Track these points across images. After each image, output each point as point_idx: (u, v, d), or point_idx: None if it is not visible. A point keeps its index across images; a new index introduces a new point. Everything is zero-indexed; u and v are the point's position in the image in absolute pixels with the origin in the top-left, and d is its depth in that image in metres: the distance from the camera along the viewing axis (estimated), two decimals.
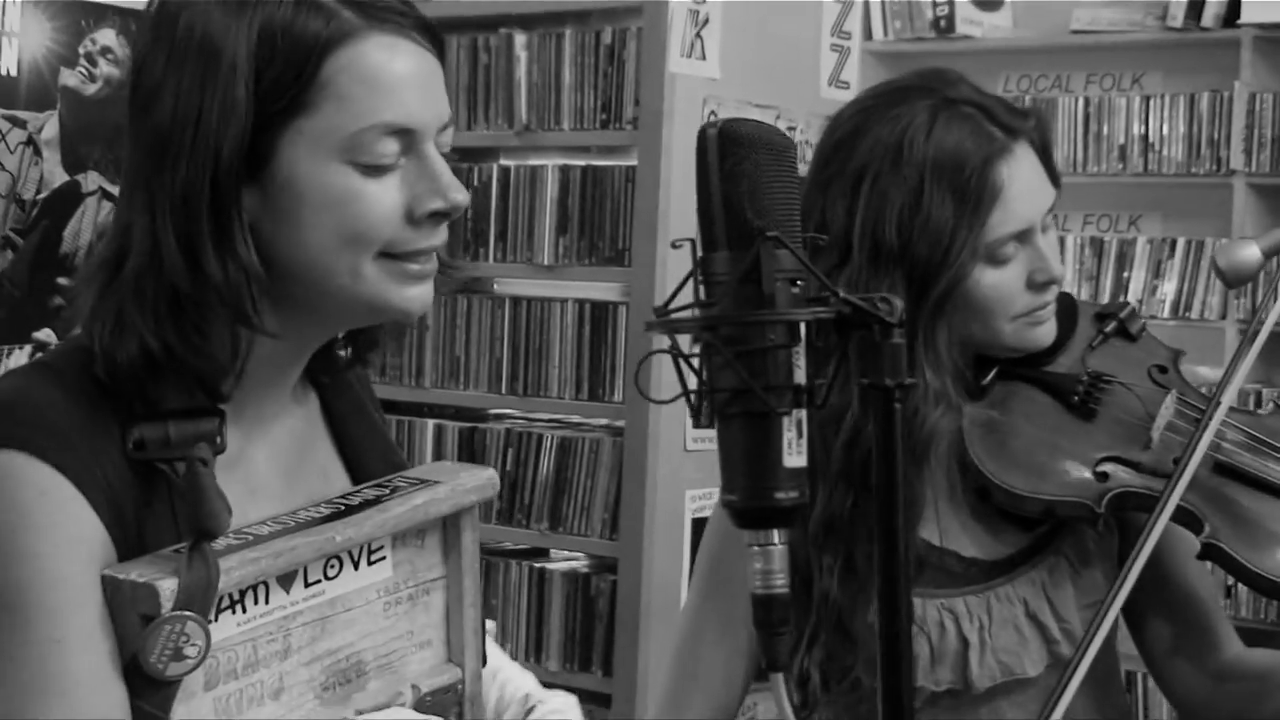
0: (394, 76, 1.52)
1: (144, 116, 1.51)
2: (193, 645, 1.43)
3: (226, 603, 1.50)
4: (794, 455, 1.33)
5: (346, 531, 1.57)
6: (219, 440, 1.53)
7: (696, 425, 1.39)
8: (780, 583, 1.34)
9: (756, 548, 1.34)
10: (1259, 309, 2.08)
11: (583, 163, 4.15)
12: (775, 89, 4.06)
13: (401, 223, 1.53)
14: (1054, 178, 2.10)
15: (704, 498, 3.96)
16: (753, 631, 2.12)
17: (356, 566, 1.60)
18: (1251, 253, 2.22)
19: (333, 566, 1.58)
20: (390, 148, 1.51)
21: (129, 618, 1.44)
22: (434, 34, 1.59)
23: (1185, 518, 2.05)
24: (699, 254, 1.35)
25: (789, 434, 1.32)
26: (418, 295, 1.56)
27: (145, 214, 1.50)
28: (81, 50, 3.90)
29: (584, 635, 4.10)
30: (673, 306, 1.40)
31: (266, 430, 1.64)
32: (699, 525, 3.94)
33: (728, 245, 1.32)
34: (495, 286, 4.41)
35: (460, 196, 1.55)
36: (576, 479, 4.12)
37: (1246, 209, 5.05)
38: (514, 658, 3.85)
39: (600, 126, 4.08)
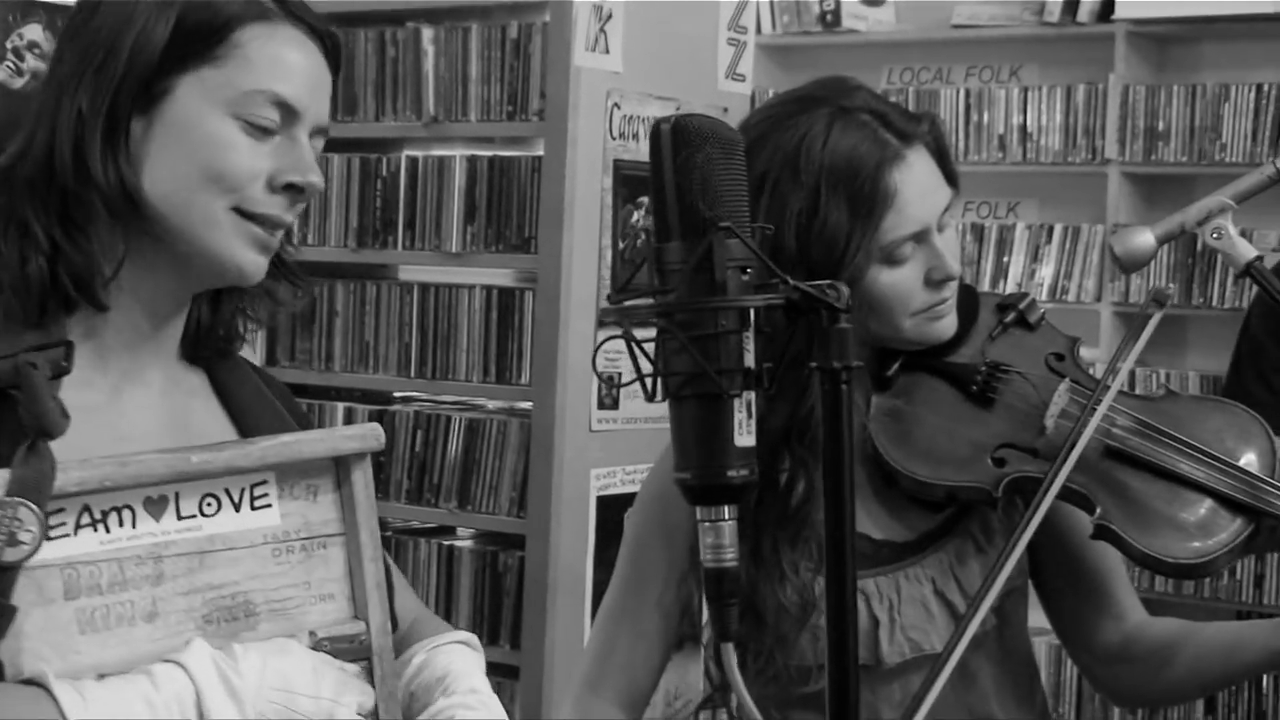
0: (293, 61, 1.66)
1: (72, 37, 1.66)
2: (26, 531, 1.46)
3: (88, 519, 1.53)
4: (744, 435, 1.35)
5: (204, 455, 1.60)
6: (64, 364, 1.58)
7: (649, 400, 1.42)
8: (730, 556, 1.36)
9: (708, 523, 1.36)
10: (1145, 304, 2.10)
11: (489, 153, 4.14)
12: (675, 82, 4.07)
13: (262, 185, 1.64)
14: (951, 178, 2.11)
15: (608, 476, 3.97)
16: (668, 619, 2.16)
17: (238, 509, 1.63)
18: (1146, 239, 2.26)
19: (210, 505, 1.61)
20: (272, 115, 1.64)
21: None
22: (337, 54, 1.73)
23: (1078, 500, 2.07)
24: (653, 243, 1.37)
25: (739, 415, 1.35)
26: (254, 260, 1.66)
27: (48, 124, 1.63)
28: (9, 45, 3.85)
29: (492, 610, 4.11)
30: (621, 293, 1.43)
31: (140, 387, 1.70)
32: (603, 503, 3.95)
33: (681, 235, 1.35)
34: (400, 274, 4.40)
35: (316, 180, 1.66)
36: (484, 459, 4.12)
37: (1120, 196, 5.13)
38: None
39: (506, 118, 4.07)
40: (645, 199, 3.99)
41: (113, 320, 1.66)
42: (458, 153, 4.18)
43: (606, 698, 2.18)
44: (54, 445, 1.51)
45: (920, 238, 2.06)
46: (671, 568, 2.17)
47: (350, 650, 1.67)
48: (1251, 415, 2.18)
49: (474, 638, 1.82)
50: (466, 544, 4.19)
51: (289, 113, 1.65)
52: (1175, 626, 2.26)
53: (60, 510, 1.52)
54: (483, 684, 1.78)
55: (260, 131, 1.64)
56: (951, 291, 2.11)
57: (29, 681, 1.49)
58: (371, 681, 1.68)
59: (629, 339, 1.35)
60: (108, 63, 1.63)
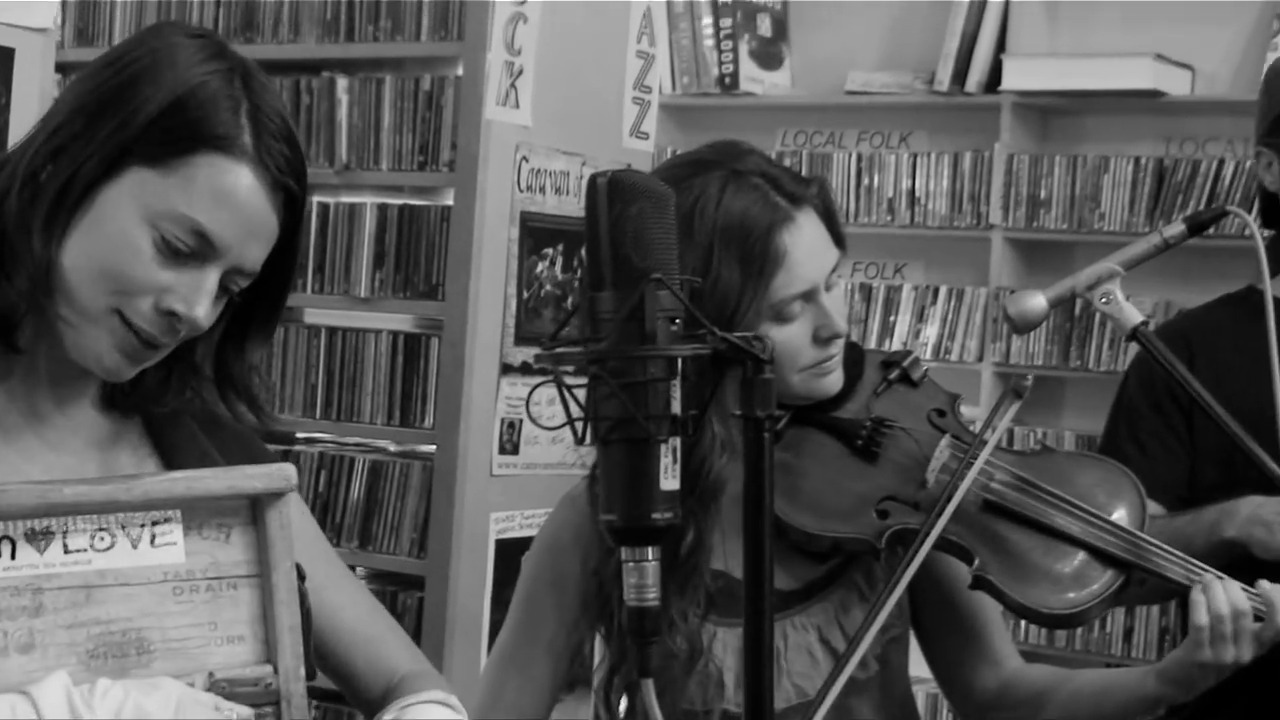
0: (235, 201, 1.61)
1: (68, 98, 1.65)
2: None
3: None
4: (669, 479, 1.37)
5: (79, 488, 1.56)
6: None
7: (578, 444, 1.43)
8: (652, 596, 1.38)
9: (632, 563, 1.38)
10: (1004, 393, 2.12)
11: (399, 201, 4.13)
12: (581, 137, 4.09)
13: (150, 302, 1.60)
14: (838, 239, 2.14)
15: (507, 520, 3.96)
16: (557, 663, 2.17)
17: (135, 545, 1.59)
18: (1038, 302, 2.31)
19: (102, 539, 1.57)
20: (189, 241, 1.60)
21: None
22: (296, 206, 1.68)
23: (957, 551, 2.11)
24: (586, 292, 1.40)
25: (665, 460, 1.37)
26: (119, 363, 1.63)
27: (12, 167, 1.62)
28: None
29: None
30: (554, 340, 1.45)
31: (48, 430, 1.69)
32: (502, 546, 3.94)
33: (613, 285, 1.38)
34: (307, 316, 4.38)
35: (201, 317, 1.61)
36: (386, 500, 4.09)
37: (1003, 260, 5.20)
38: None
39: (417, 168, 4.07)
40: (550, 250, 4.01)
41: (22, 363, 1.65)
42: (369, 200, 4.17)
43: (517, 690, 2.18)
44: None
45: (809, 296, 2.08)
46: (562, 614, 2.17)
47: (254, 694, 1.62)
48: (1122, 470, 2.22)
49: (454, 698, 1.77)
50: (367, 584, 4.17)
51: (207, 245, 1.61)
52: (1049, 674, 2.28)
53: None
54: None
55: (170, 251, 1.60)
56: (838, 349, 2.12)
57: None
58: None
59: (560, 384, 1.37)
60: (87, 131, 1.61)
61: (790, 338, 2.07)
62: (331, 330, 4.20)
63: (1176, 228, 2.29)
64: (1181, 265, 4.66)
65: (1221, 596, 2.07)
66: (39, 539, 1.55)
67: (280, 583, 1.64)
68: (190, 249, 1.61)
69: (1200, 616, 2.06)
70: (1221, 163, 4.95)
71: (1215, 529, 2.45)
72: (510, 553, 3.90)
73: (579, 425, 1.43)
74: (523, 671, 2.19)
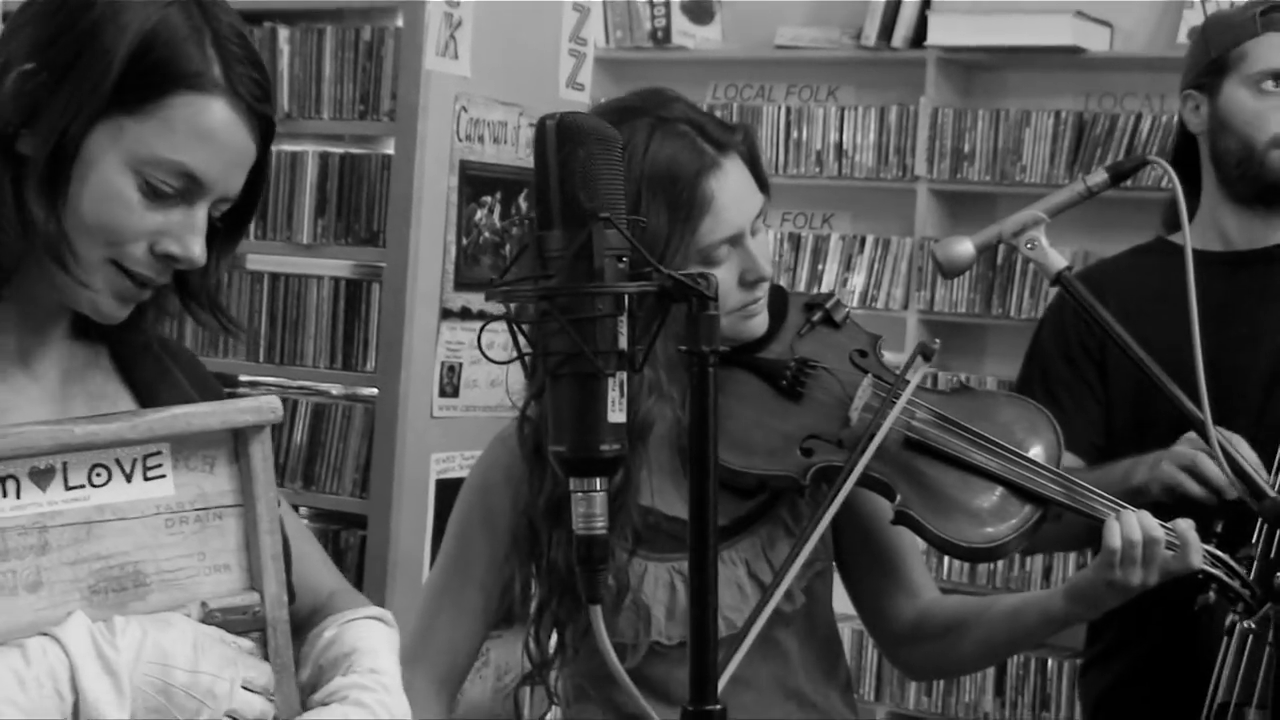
0: (216, 138, 1.57)
1: (17, 49, 1.57)
2: None
3: None
4: (616, 412, 1.38)
5: (89, 426, 1.54)
6: None
7: (529, 378, 1.43)
8: (600, 525, 1.39)
9: (580, 493, 1.39)
10: (912, 356, 2.14)
11: (340, 150, 4.11)
12: (519, 89, 4.08)
13: (144, 246, 1.57)
14: (763, 185, 2.14)
15: (447, 461, 3.97)
16: (488, 599, 2.17)
17: (129, 479, 1.57)
18: (965, 248, 2.33)
19: (99, 475, 1.56)
20: (174, 183, 1.56)
21: None
22: (269, 132, 1.64)
23: (879, 487, 2.12)
24: (535, 231, 1.40)
25: (613, 393, 1.38)
26: (115, 308, 1.61)
27: None
28: None
29: None
30: (503, 279, 1.45)
31: (32, 366, 1.65)
32: (442, 486, 3.94)
33: (562, 224, 1.38)
34: (249, 263, 4.35)
35: (197, 254, 1.59)
36: (329, 442, 4.09)
37: (928, 211, 5.23)
38: None
39: (358, 117, 4.04)
40: (488, 198, 4.00)
41: (3, 308, 1.61)
42: (310, 149, 4.14)
43: (422, 673, 2.16)
44: None
45: (735, 241, 2.08)
46: (493, 550, 2.18)
47: (243, 621, 1.61)
48: (1038, 408, 2.25)
49: (388, 614, 1.76)
50: (311, 524, 4.16)
51: (193, 184, 1.58)
52: (965, 603, 2.30)
53: None
54: (387, 664, 1.72)
55: (156, 195, 1.56)
56: (764, 292, 2.13)
57: None
58: (265, 653, 1.63)
59: (510, 320, 1.38)
60: (64, 88, 1.55)
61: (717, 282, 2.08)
62: (274, 276, 4.18)
63: (1099, 176, 2.32)
64: (1100, 215, 4.69)
65: (1134, 522, 2.09)
66: (42, 476, 1.53)
67: (263, 512, 1.64)
68: (176, 190, 1.57)
69: (1113, 540, 2.09)
70: (1139, 117, 4.99)
71: (1127, 477, 2.48)
72: (450, 492, 3.86)
73: (528, 360, 1.42)
74: (455, 605, 2.19)
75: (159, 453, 1.59)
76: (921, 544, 2.22)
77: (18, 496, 1.50)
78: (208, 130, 1.57)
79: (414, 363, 3.89)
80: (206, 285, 1.69)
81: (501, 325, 1.45)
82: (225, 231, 1.67)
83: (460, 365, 3.93)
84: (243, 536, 1.64)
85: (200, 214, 1.59)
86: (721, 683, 1.78)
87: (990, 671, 4.91)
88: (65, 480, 1.53)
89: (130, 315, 1.67)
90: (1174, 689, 2.55)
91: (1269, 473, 2.43)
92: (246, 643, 1.60)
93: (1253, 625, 2.23)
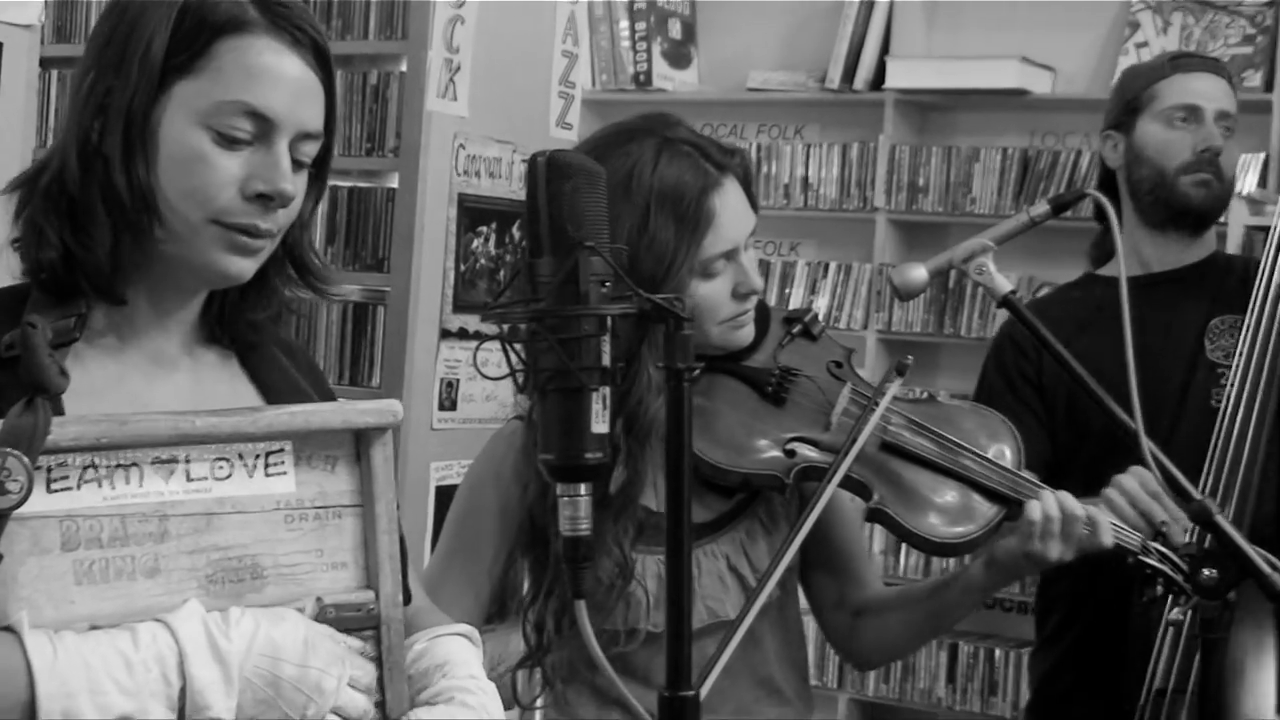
0: (269, 71, 1.52)
1: (88, 57, 1.55)
2: (14, 481, 1.34)
3: (92, 475, 1.42)
4: (600, 423, 1.39)
5: (209, 419, 1.48)
6: (74, 334, 1.50)
7: (519, 392, 1.43)
8: (585, 526, 1.39)
9: (566, 498, 1.39)
10: (888, 372, 2.14)
11: (349, 184, 4.10)
12: (513, 127, 4.08)
13: (236, 194, 1.51)
14: (754, 206, 2.14)
15: (445, 468, 3.96)
16: (486, 586, 2.15)
17: (251, 474, 1.51)
18: (919, 273, 2.34)
19: (221, 468, 1.49)
20: (244, 125, 1.51)
21: None
22: (324, 57, 1.58)
23: (856, 487, 2.13)
24: (526, 258, 1.41)
25: (596, 406, 1.38)
26: (237, 264, 1.54)
27: (66, 136, 1.52)
28: None
29: None
30: (497, 302, 1.46)
31: (164, 367, 1.60)
32: (441, 491, 3.93)
33: (551, 252, 1.39)
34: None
35: (287, 188, 1.53)
36: None
37: (886, 239, 5.24)
38: None
39: (365, 154, 4.04)
40: (484, 228, 4.00)
41: (129, 310, 1.56)
42: None
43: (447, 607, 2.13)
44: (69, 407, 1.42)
45: (731, 255, 2.08)
46: (496, 538, 2.14)
47: (358, 619, 1.54)
48: (1000, 418, 2.26)
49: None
50: None
51: (263, 122, 1.51)
52: (902, 587, 2.33)
53: (63, 463, 1.41)
54: (481, 673, 1.64)
55: (231, 142, 1.51)
56: (753, 304, 2.13)
57: (5, 629, 1.36)
58: (379, 651, 1.55)
59: (503, 340, 1.38)
60: (121, 76, 1.52)
61: (713, 292, 2.07)
62: (289, 299, 4.17)
63: (1041, 207, 2.33)
64: (1043, 243, 4.71)
65: (1053, 500, 2.12)
66: (164, 466, 1.46)
67: (382, 513, 1.57)
68: (249, 133, 1.52)
69: (1034, 513, 2.11)
70: (1079, 153, 5.01)
71: None
72: (448, 498, 3.87)
73: (520, 376, 1.43)
74: (456, 585, 2.14)
75: (281, 450, 1.53)
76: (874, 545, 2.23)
77: (140, 484, 1.45)
78: (258, 66, 1.52)
79: (415, 379, 3.89)
80: (305, 237, 1.65)
81: (496, 344, 1.45)
82: (313, 175, 1.61)
83: (458, 381, 3.93)
84: (360, 536, 1.56)
85: (280, 150, 1.53)
86: (715, 672, 1.80)
87: (943, 661, 4.92)
88: (188, 472, 1.47)
89: (253, 321, 1.64)
90: (1107, 673, 2.57)
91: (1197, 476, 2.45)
92: (355, 642, 1.54)
93: (1182, 617, 2.24)
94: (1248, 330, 2.57)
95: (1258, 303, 2.59)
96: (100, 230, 1.51)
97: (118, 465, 1.44)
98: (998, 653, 4.91)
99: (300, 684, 1.45)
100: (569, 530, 1.40)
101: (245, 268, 1.55)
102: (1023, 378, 2.79)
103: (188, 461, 1.47)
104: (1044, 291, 4.81)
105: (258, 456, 1.51)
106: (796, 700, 2.25)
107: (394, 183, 3.98)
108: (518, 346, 1.45)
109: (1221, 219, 2.87)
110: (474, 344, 3.89)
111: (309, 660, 1.46)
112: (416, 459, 3.92)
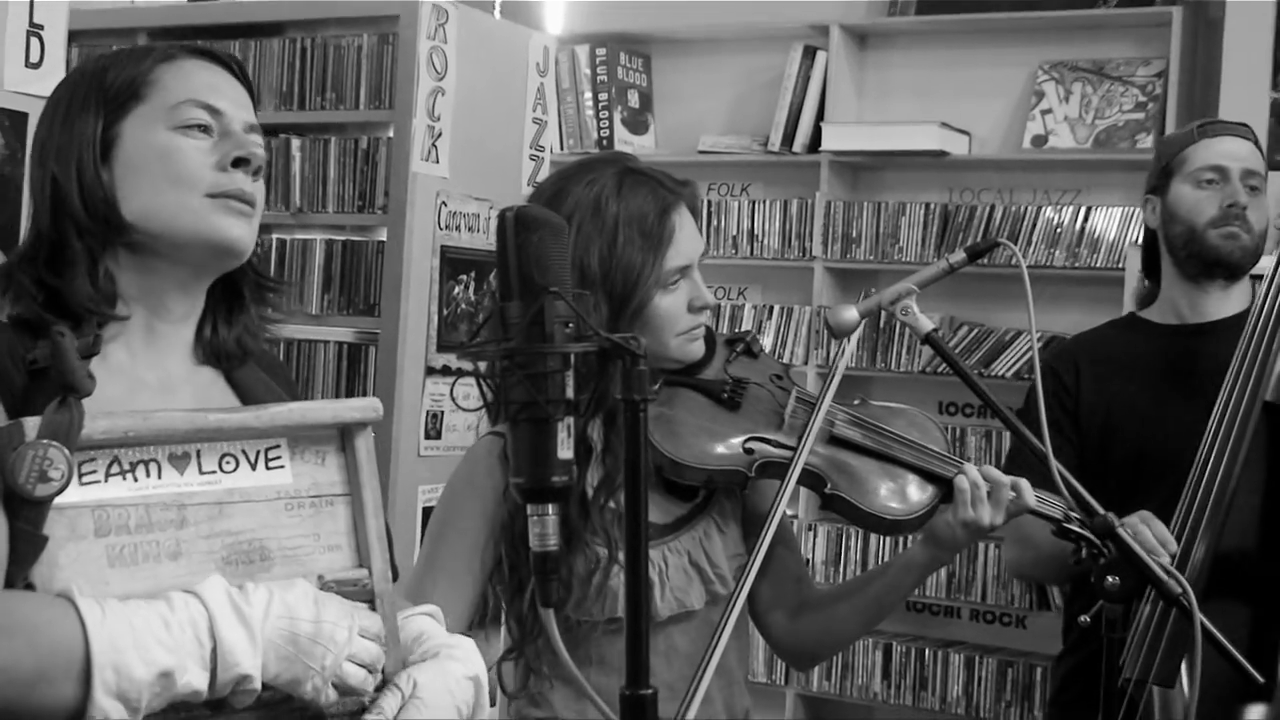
0: (206, 79, 1.63)
1: (39, 127, 1.65)
2: (56, 469, 1.37)
3: (118, 469, 1.45)
4: (565, 450, 1.38)
5: (221, 415, 1.51)
6: (93, 349, 1.52)
7: (493, 424, 1.43)
8: (553, 542, 1.38)
9: (536, 516, 1.38)
10: (835, 356, 2.20)
11: (343, 238, 4.10)
12: (489, 186, 4.09)
13: (214, 169, 1.59)
14: (701, 231, 2.17)
15: (431, 491, 3.95)
16: (475, 584, 2.10)
17: (254, 468, 1.53)
18: (852, 314, 2.33)
19: (229, 463, 1.52)
20: (201, 115, 1.60)
21: (6, 454, 1.38)
22: (243, 71, 1.69)
23: (812, 478, 2.15)
24: (497, 302, 1.40)
25: (561, 434, 1.38)
26: (238, 226, 1.60)
27: (34, 204, 1.60)
28: None
29: None
30: (472, 342, 1.45)
31: (167, 375, 1.64)
32: (427, 511, 3.93)
33: (519, 296, 1.39)
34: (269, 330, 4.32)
35: (257, 150, 1.62)
36: None
37: (823, 285, 5.24)
38: None
39: (358, 211, 4.05)
40: (464, 276, 4.00)
41: (133, 325, 1.61)
42: (318, 237, 4.14)
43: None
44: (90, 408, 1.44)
45: (686, 271, 2.10)
46: (479, 537, 2.10)
47: (355, 593, 1.56)
48: (925, 414, 2.30)
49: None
50: None
51: (214, 112, 1.61)
52: (841, 583, 2.33)
53: (91, 459, 1.42)
54: (457, 636, 1.67)
55: (198, 130, 1.59)
56: (705, 318, 2.15)
57: (59, 596, 1.39)
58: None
59: (478, 375, 1.39)
60: (66, 134, 1.60)
61: (672, 305, 2.09)
62: (289, 341, 4.16)
63: (959, 255, 2.34)
64: (961, 287, 4.74)
65: (974, 471, 2.15)
66: (179, 461, 1.49)
67: (368, 499, 1.59)
68: (207, 119, 1.60)
69: (964, 483, 2.14)
70: (993, 208, 5.03)
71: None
72: None
73: (491, 408, 1.42)
74: (442, 590, 2.08)
75: (278, 446, 1.55)
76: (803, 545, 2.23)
77: (159, 477, 1.47)
78: (196, 77, 1.62)
79: (404, 411, 3.88)
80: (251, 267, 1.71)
81: (471, 380, 1.44)
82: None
83: (442, 413, 3.92)
84: (351, 521, 1.58)
85: (236, 125, 1.62)
86: (711, 668, 1.84)
87: (878, 660, 4.91)
88: (199, 466, 1.50)
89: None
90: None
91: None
92: (361, 604, 1.55)
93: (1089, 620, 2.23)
94: (1232, 372, 2.58)
95: (1245, 341, 2.60)
96: (76, 258, 1.57)
97: (139, 460, 1.46)
98: (927, 652, 4.90)
99: (316, 638, 1.46)
100: (538, 546, 1.40)
101: (243, 233, 1.61)
102: (1060, 406, 2.84)
103: (199, 457, 1.50)
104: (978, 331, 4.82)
105: (258, 453, 1.54)
106: (739, 685, 2.26)
107: (383, 236, 3.98)
108: (490, 381, 1.43)
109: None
110: (457, 379, 3.88)
111: (321, 616, 1.47)
112: (405, 483, 3.91)
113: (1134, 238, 4.61)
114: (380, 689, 1.53)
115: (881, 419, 2.24)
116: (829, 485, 2.15)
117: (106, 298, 1.58)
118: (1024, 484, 2.16)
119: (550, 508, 1.38)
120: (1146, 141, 4.83)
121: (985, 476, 2.15)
